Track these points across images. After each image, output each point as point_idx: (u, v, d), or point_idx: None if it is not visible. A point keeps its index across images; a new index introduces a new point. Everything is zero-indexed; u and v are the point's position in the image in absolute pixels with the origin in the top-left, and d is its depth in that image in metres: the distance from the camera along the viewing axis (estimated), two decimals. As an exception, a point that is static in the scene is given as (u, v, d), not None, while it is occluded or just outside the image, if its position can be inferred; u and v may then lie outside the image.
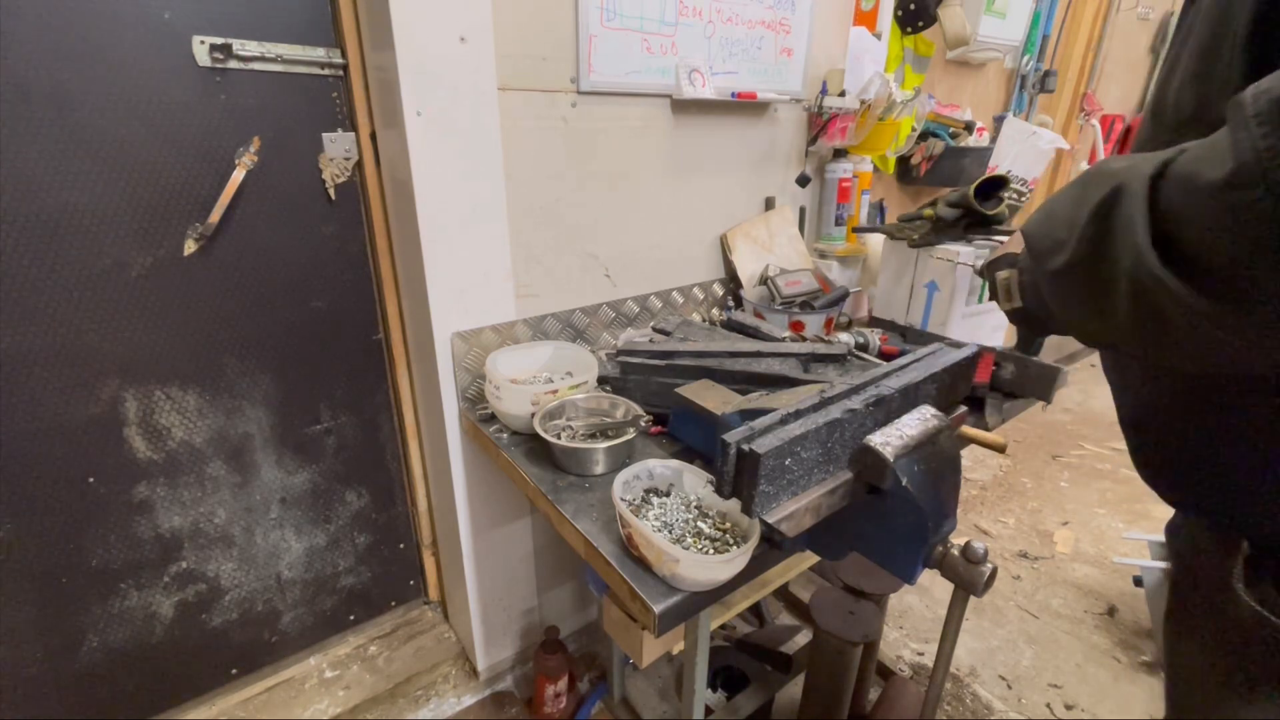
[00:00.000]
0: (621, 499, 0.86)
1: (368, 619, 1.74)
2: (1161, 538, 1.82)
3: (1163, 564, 1.78)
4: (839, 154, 1.82)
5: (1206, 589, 0.63)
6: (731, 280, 1.73)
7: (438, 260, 1.23)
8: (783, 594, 1.86)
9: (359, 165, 1.36)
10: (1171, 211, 0.43)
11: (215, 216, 1.21)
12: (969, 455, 2.82)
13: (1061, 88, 2.71)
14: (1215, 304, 0.41)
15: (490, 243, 1.29)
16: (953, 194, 1.43)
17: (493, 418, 1.24)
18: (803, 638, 1.75)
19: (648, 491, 0.93)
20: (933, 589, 2.07)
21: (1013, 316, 0.72)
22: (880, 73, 1.70)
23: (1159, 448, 0.64)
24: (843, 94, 1.69)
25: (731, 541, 0.82)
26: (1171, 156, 0.44)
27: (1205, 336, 0.43)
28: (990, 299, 0.77)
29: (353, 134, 1.33)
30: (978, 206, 1.38)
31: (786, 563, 1.41)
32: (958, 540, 0.78)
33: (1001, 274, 0.69)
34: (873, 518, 0.81)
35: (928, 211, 1.47)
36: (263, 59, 1.19)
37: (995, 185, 1.40)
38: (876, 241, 1.86)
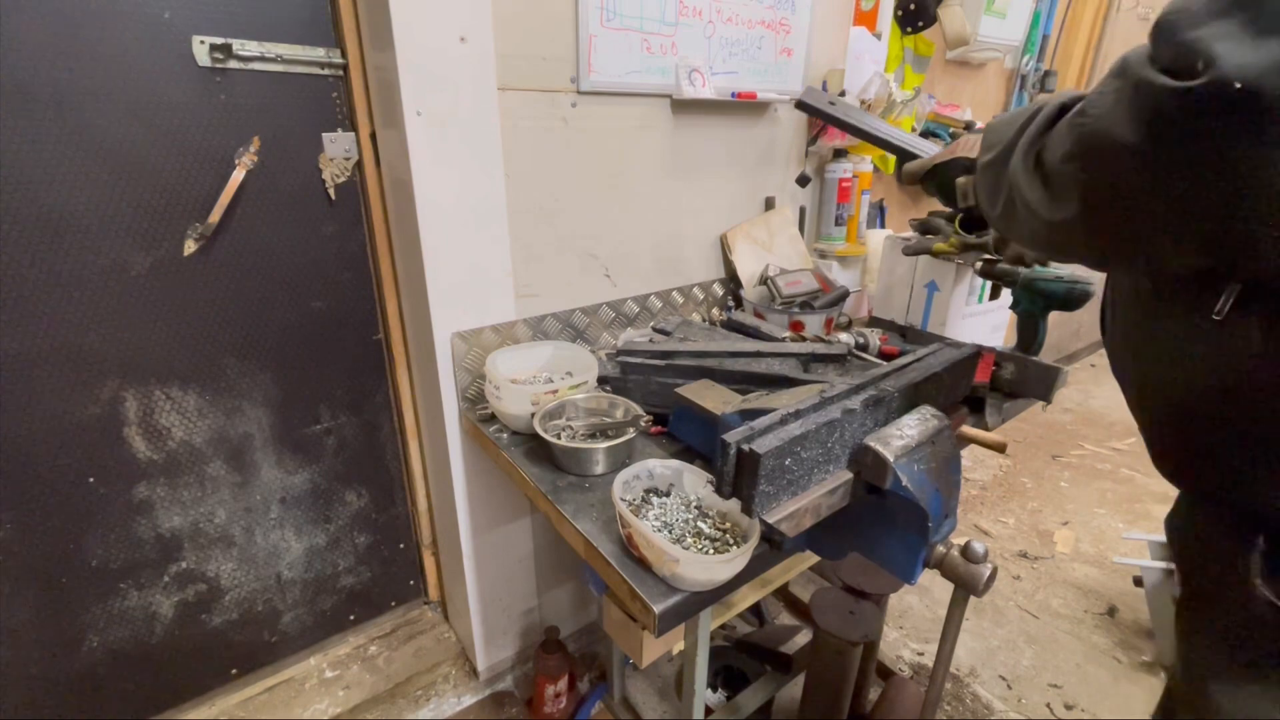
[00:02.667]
0: (621, 499, 0.86)
1: (368, 619, 1.74)
2: (1162, 538, 1.82)
3: (1163, 564, 1.78)
4: (839, 154, 1.82)
5: (1221, 583, 0.64)
6: (731, 280, 1.73)
7: (438, 260, 1.23)
8: (783, 594, 1.86)
9: (359, 165, 1.36)
10: (1053, 131, 0.58)
11: (215, 216, 1.21)
12: (969, 455, 2.82)
13: (1061, 87, 2.71)
14: (1040, 196, 0.59)
15: (490, 242, 1.29)
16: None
17: (493, 418, 1.24)
18: (803, 638, 1.75)
19: (648, 491, 0.93)
20: (933, 589, 2.07)
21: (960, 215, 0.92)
22: (880, 73, 1.70)
23: (1175, 432, 0.65)
24: (843, 94, 1.68)
25: (731, 541, 0.82)
26: (1085, 94, 0.56)
27: (1030, 222, 0.61)
28: (944, 202, 0.96)
29: (353, 134, 1.33)
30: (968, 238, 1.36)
31: (786, 563, 1.41)
32: (958, 540, 0.78)
33: (961, 180, 0.84)
34: (873, 518, 0.81)
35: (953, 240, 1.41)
36: (262, 59, 1.19)
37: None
38: (876, 241, 1.86)
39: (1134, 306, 0.66)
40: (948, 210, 1.43)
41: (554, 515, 0.97)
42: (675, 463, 0.94)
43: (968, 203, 0.84)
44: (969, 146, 0.85)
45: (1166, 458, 0.68)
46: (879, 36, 1.76)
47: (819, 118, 1.28)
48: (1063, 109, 0.59)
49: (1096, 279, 1.04)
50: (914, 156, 1.09)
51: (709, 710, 1.44)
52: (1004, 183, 0.64)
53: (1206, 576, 0.67)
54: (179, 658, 1.44)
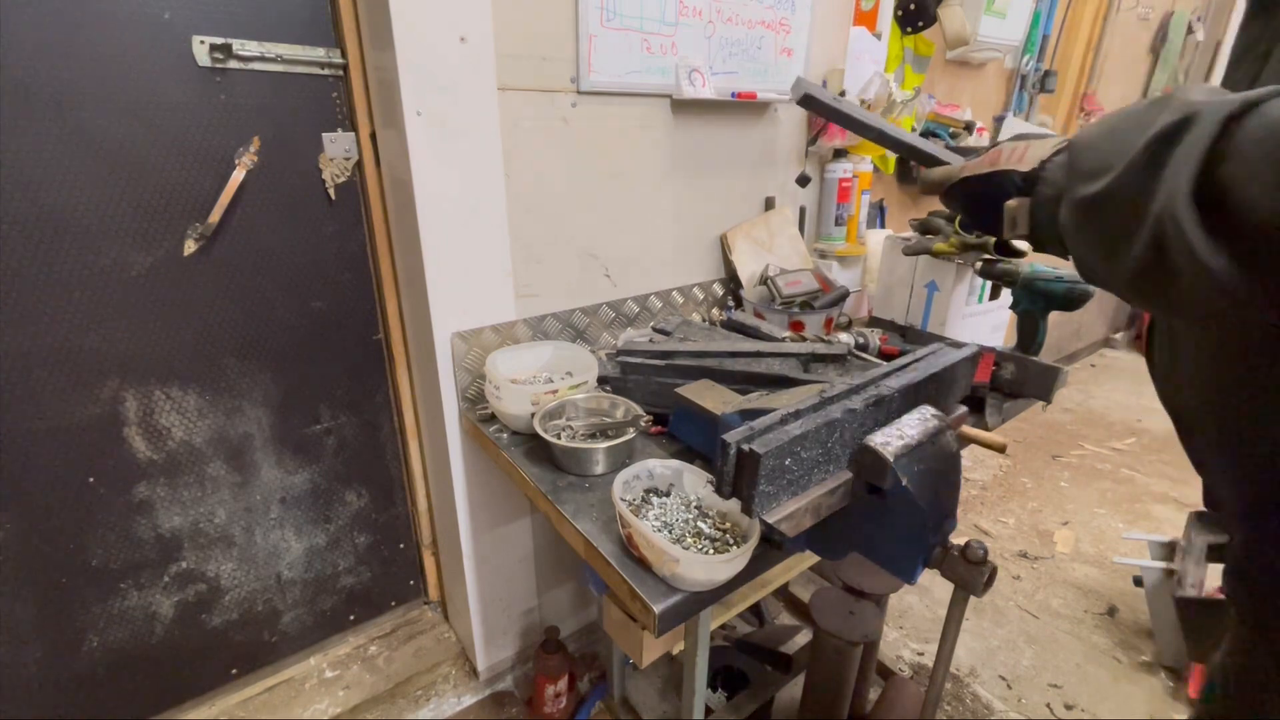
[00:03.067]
0: (621, 499, 0.86)
1: (368, 619, 1.74)
2: (1162, 537, 1.82)
3: (1162, 564, 1.78)
4: (839, 154, 1.82)
5: None
6: (731, 280, 1.73)
7: (438, 260, 1.23)
8: (783, 594, 1.86)
9: (359, 165, 1.36)
10: (1236, 157, 0.38)
11: (215, 216, 1.21)
12: (969, 455, 2.82)
13: (1061, 88, 2.71)
14: (1234, 266, 0.38)
15: (490, 243, 1.29)
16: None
17: (493, 418, 1.24)
18: (803, 638, 1.75)
19: (648, 491, 0.93)
20: (933, 589, 2.07)
21: (999, 246, 0.71)
22: (880, 72, 1.70)
23: None
24: (842, 94, 1.69)
25: (731, 541, 0.83)
26: (1263, 96, 0.39)
27: (1207, 297, 0.40)
28: (975, 225, 0.74)
29: (353, 134, 1.33)
30: (968, 238, 1.36)
31: (786, 563, 1.41)
32: (958, 540, 0.78)
33: (1011, 203, 0.63)
34: (873, 518, 0.81)
35: (952, 242, 1.42)
36: (262, 59, 1.19)
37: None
38: (876, 241, 1.86)
39: (1238, 351, 0.54)
40: (948, 210, 1.42)
41: (554, 515, 0.97)
42: (675, 463, 0.94)
43: (1017, 232, 0.64)
44: (1016, 158, 0.65)
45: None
46: (879, 36, 1.76)
47: (823, 115, 1.14)
48: (1230, 120, 0.39)
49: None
50: (932, 160, 0.90)
51: (709, 710, 1.44)
52: (1139, 233, 0.43)
53: None
54: (179, 658, 1.44)
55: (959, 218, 1.41)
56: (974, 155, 0.72)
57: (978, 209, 0.70)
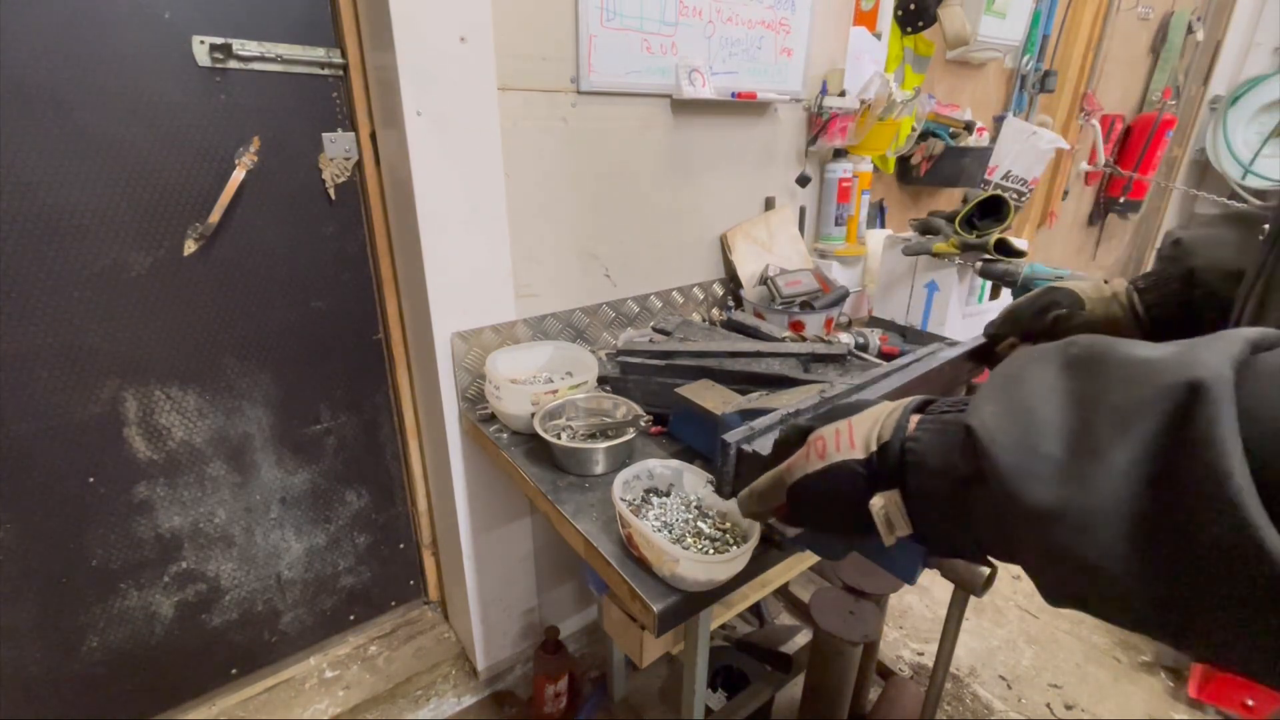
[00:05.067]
0: (621, 499, 0.86)
1: (368, 619, 1.74)
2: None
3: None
4: (839, 154, 1.82)
5: None
6: (731, 280, 1.73)
7: (438, 260, 1.23)
8: (783, 594, 1.86)
9: (359, 165, 1.36)
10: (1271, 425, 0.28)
11: (215, 216, 1.21)
12: (969, 455, 2.81)
13: (1061, 88, 2.70)
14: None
15: (490, 243, 1.29)
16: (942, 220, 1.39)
17: (493, 418, 1.24)
18: (803, 638, 1.75)
19: (648, 491, 0.93)
20: (933, 589, 2.07)
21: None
22: (880, 72, 1.70)
23: None
24: (843, 94, 1.68)
25: (731, 541, 0.83)
26: (1267, 338, 0.31)
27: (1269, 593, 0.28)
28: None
29: (353, 134, 1.33)
30: (967, 237, 1.36)
31: (786, 563, 1.41)
32: (958, 540, 0.78)
33: (876, 501, 0.45)
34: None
35: (951, 242, 1.42)
36: (262, 59, 1.19)
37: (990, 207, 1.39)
38: (876, 241, 1.86)
39: None
40: (948, 210, 1.43)
41: (554, 515, 0.97)
42: (675, 463, 0.94)
43: (897, 533, 0.46)
44: (846, 443, 0.48)
45: None
46: (879, 36, 1.76)
47: None
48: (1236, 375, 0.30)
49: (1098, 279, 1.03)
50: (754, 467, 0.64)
51: (709, 710, 1.44)
52: (1188, 554, 0.30)
53: None
54: (179, 658, 1.44)
55: (959, 217, 1.40)
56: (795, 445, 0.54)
57: (828, 515, 0.52)
